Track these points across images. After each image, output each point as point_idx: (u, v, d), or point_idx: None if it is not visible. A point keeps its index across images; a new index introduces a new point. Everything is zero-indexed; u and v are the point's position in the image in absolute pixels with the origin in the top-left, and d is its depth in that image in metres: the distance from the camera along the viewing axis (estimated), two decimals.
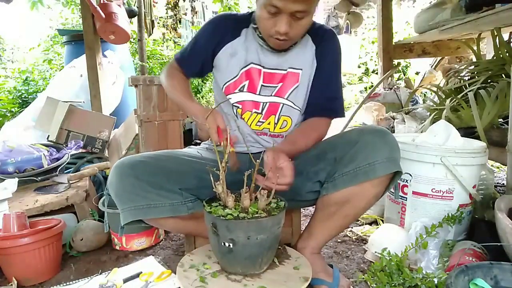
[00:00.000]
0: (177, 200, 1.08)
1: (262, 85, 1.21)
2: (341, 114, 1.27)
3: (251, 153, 1.25)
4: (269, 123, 1.23)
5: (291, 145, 1.14)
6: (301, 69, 1.22)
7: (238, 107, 1.22)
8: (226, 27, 1.23)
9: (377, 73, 4.71)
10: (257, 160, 1.00)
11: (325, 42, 1.23)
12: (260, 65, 1.21)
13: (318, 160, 1.14)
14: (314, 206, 1.21)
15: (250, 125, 1.23)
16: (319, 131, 1.22)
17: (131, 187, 1.03)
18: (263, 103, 1.22)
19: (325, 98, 1.24)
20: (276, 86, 1.22)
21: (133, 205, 1.04)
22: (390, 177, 1.08)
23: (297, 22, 1.06)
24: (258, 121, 1.23)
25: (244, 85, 1.21)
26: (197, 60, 1.26)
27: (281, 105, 1.22)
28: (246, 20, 1.23)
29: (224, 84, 1.22)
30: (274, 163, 0.99)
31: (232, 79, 1.21)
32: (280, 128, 1.24)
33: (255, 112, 1.22)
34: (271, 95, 1.22)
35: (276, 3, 1.00)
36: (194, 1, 6.34)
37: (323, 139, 1.22)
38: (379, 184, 1.07)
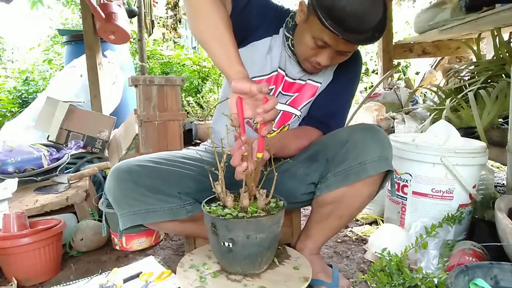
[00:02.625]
0: (176, 204, 1.07)
1: (280, 92, 1.20)
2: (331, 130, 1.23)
3: None
4: (278, 133, 1.23)
5: (280, 140, 1.13)
6: (320, 83, 1.22)
7: None
8: (270, 13, 1.15)
9: (377, 73, 4.72)
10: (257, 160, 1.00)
11: (348, 61, 1.18)
12: (284, 72, 1.19)
13: (310, 162, 1.13)
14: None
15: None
16: (311, 141, 1.20)
17: (129, 192, 1.02)
18: (277, 111, 1.21)
19: (324, 112, 1.23)
20: (292, 96, 1.21)
21: (131, 210, 1.03)
22: (382, 176, 1.06)
23: (339, 57, 1.07)
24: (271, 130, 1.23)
25: (272, 88, 1.19)
26: (244, 22, 1.09)
27: (294, 115, 1.22)
28: (283, 19, 1.17)
29: (252, 78, 1.09)
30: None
31: (261, 76, 1.17)
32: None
33: None
34: (285, 103, 1.22)
35: (328, 40, 1.00)
36: None
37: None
38: (371, 183, 1.05)
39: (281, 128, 1.25)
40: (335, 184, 1.06)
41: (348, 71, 1.23)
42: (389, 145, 1.05)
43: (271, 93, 1.18)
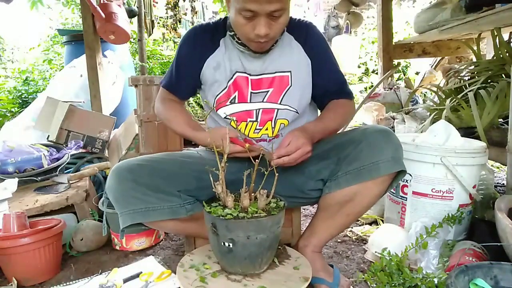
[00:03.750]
0: (175, 203, 1.08)
1: (251, 92, 1.19)
2: (352, 95, 1.29)
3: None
4: (266, 129, 1.20)
5: (315, 124, 1.16)
6: (290, 71, 1.19)
7: (232, 120, 1.20)
8: (203, 40, 1.20)
9: (377, 73, 4.71)
10: (256, 160, 1.00)
11: (310, 37, 1.21)
12: (245, 73, 1.18)
13: (321, 159, 1.14)
14: (315, 205, 1.21)
15: (248, 134, 1.21)
16: (345, 107, 1.23)
17: (129, 190, 1.03)
18: (256, 110, 1.19)
19: (337, 85, 1.24)
20: (267, 91, 1.19)
21: (131, 208, 1.04)
22: (392, 176, 1.09)
23: (275, 21, 1.04)
24: (256, 129, 1.21)
25: (235, 96, 1.18)
26: (186, 82, 1.26)
27: (276, 110, 1.20)
28: (221, 28, 1.20)
29: (215, 98, 1.20)
30: (286, 143, 1.04)
31: (221, 92, 1.19)
32: (278, 131, 1.22)
33: (250, 121, 1.19)
34: (263, 101, 1.19)
35: (251, 7, 0.99)
36: (194, 1, 6.33)
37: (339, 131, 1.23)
38: (382, 182, 1.08)
39: (272, 125, 1.22)
40: (346, 182, 1.08)
41: (319, 46, 1.23)
42: (400, 146, 1.09)
43: (235, 101, 1.19)
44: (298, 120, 1.24)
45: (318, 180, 1.15)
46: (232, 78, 1.18)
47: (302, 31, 1.21)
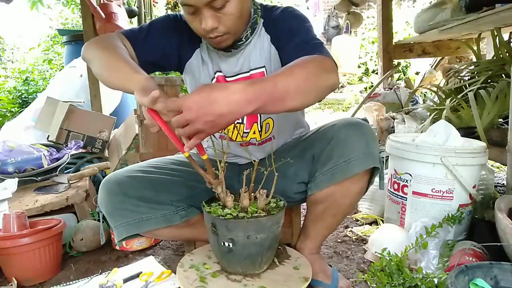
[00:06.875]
0: (169, 211, 1.07)
1: None
2: (324, 53, 0.94)
3: (239, 164, 1.22)
4: (254, 132, 1.16)
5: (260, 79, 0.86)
6: (264, 66, 1.10)
7: None
8: (190, 31, 1.06)
9: (377, 73, 4.72)
10: (255, 160, 1.00)
11: (276, 23, 1.07)
12: (221, 72, 1.12)
13: (298, 159, 1.11)
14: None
15: (236, 138, 1.17)
16: (316, 61, 0.90)
17: (120, 203, 1.02)
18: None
19: (295, 44, 0.99)
20: None
21: (125, 221, 1.03)
22: (369, 172, 1.04)
23: (221, 12, 0.93)
24: (244, 132, 1.16)
25: None
26: (155, 49, 1.09)
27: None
28: None
29: None
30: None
31: None
32: (265, 133, 1.18)
33: (238, 122, 1.14)
34: None
35: (187, 1, 0.91)
36: None
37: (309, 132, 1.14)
38: (359, 180, 1.03)
39: (259, 128, 1.17)
40: (324, 183, 1.05)
41: (282, 26, 1.05)
42: (373, 140, 1.03)
43: None
44: (283, 116, 1.15)
45: (299, 183, 1.13)
46: (214, 78, 1.13)
47: (272, 19, 1.07)
